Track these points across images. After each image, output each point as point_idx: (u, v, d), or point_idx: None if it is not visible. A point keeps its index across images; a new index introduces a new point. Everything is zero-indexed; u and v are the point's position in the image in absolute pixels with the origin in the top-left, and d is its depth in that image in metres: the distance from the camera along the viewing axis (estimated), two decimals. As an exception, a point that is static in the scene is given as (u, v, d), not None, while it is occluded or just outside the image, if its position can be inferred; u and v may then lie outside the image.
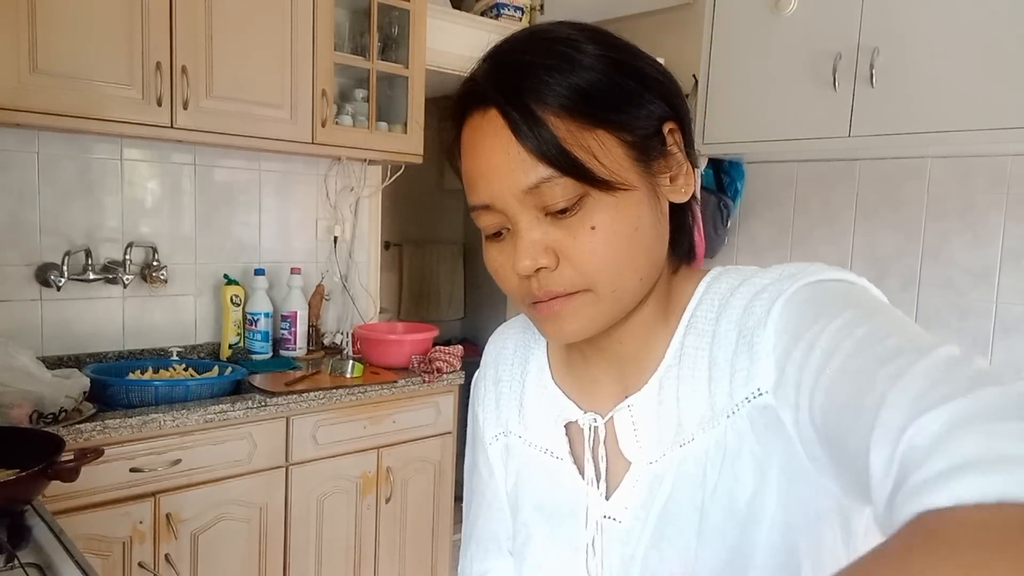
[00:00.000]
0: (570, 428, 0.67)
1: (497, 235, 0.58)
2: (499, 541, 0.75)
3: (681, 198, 0.59)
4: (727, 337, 0.56)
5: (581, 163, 0.52)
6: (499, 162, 0.54)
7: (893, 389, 0.41)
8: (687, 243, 0.64)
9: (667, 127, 0.57)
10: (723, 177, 2.49)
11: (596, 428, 0.64)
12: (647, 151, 0.56)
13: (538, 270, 0.55)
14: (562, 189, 0.53)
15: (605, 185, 0.53)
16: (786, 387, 0.51)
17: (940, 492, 0.34)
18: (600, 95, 0.54)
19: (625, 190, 0.54)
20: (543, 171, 0.53)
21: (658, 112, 0.57)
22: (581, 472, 0.65)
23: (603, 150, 0.53)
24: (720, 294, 0.59)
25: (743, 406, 0.55)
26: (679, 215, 0.62)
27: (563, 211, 0.54)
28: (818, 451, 0.49)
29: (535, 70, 0.54)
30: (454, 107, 0.59)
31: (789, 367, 0.50)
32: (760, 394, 0.54)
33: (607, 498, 0.63)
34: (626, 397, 0.63)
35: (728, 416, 0.55)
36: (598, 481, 0.64)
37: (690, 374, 0.58)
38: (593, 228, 0.54)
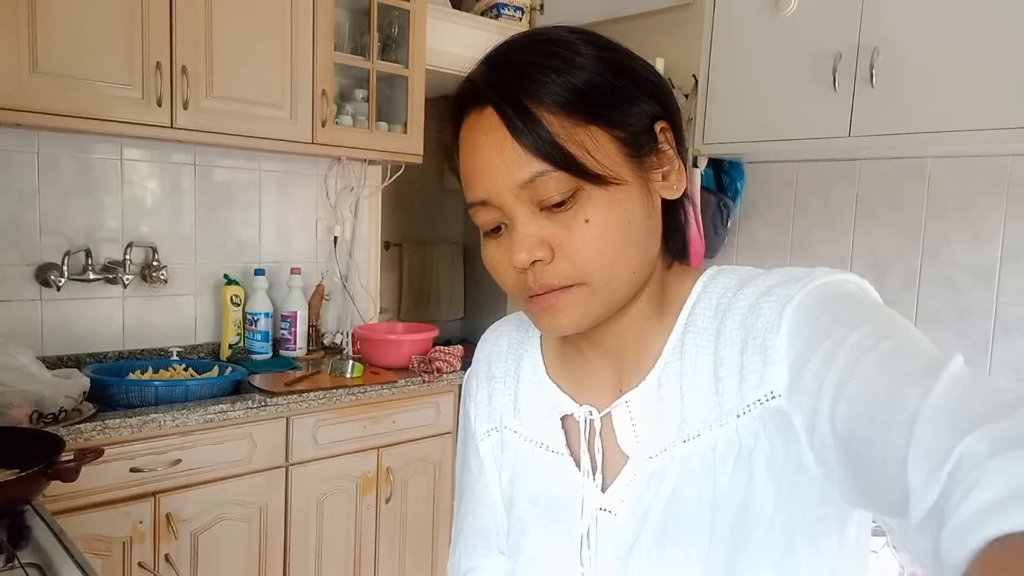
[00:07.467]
0: (566, 421, 0.67)
1: (495, 232, 0.60)
2: (488, 537, 0.76)
3: (673, 195, 0.61)
4: (732, 336, 0.57)
5: (574, 157, 0.54)
6: (494, 158, 0.56)
7: (925, 406, 0.43)
8: (680, 240, 0.65)
9: (659, 126, 0.59)
10: (723, 177, 2.49)
11: (592, 421, 0.65)
12: (639, 147, 0.57)
13: (534, 263, 0.57)
14: (556, 183, 0.55)
15: (598, 179, 0.55)
16: (802, 393, 0.51)
17: (1010, 518, 0.35)
18: (594, 93, 0.55)
19: (618, 184, 0.56)
20: (537, 166, 0.54)
21: (650, 111, 0.58)
22: (577, 464, 0.65)
23: (596, 145, 0.55)
24: (718, 293, 0.61)
25: (755, 407, 0.55)
26: (672, 212, 0.63)
27: (558, 205, 0.55)
28: (831, 457, 0.50)
29: (530, 69, 0.56)
30: (452, 108, 0.61)
31: (807, 374, 0.51)
32: (773, 397, 0.54)
33: (603, 491, 0.64)
34: (621, 391, 0.64)
35: (739, 416, 0.56)
36: (594, 473, 0.64)
37: (693, 371, 0.59)
38: (587, 221, 0.55)
